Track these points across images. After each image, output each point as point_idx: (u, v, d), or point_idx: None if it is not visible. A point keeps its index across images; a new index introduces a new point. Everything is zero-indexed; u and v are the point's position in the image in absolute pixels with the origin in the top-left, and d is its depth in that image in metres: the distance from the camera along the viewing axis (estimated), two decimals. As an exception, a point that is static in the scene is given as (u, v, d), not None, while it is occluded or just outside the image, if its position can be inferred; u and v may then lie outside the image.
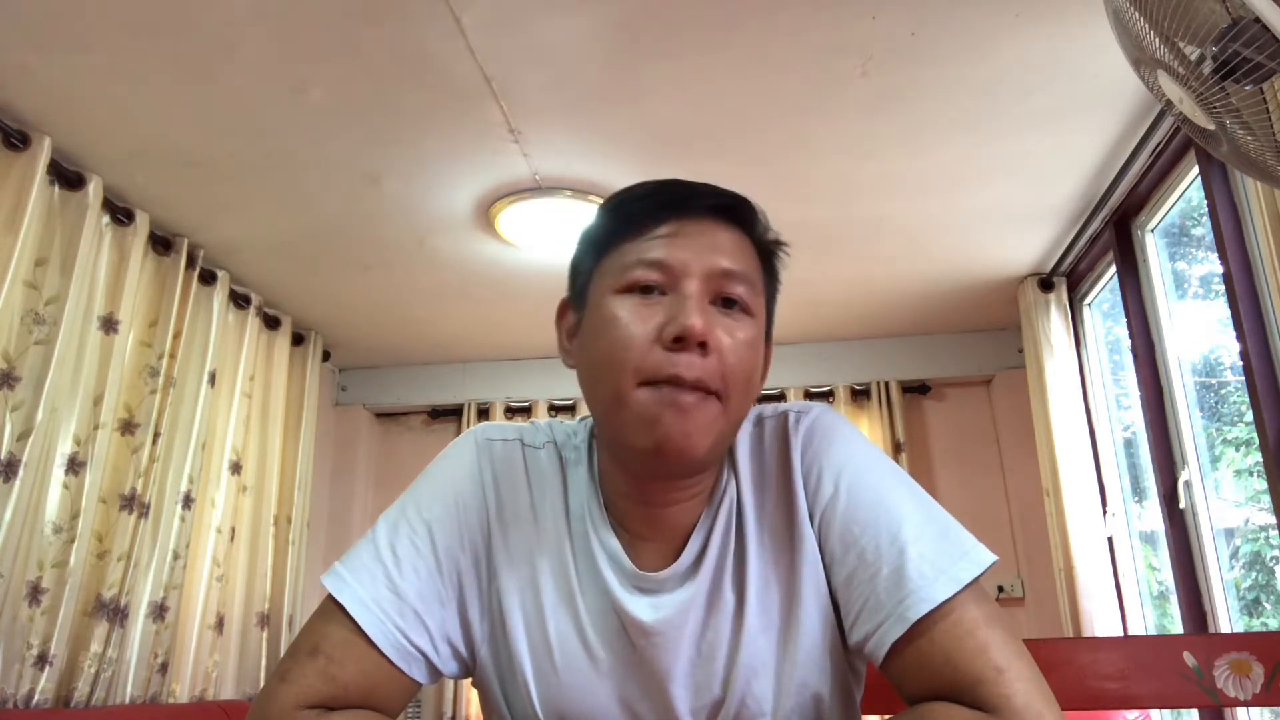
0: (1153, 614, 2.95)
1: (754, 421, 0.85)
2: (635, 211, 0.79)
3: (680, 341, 0.72)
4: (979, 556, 0.74)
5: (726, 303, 0.76)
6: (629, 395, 0.73)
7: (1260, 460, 2.09)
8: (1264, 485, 2.13)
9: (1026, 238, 3.01)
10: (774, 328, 0.85)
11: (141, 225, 2.63)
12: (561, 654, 0.79)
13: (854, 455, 0.81)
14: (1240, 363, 2.06)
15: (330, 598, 0.78)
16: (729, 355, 0.74)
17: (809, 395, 3.87)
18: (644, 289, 0.75)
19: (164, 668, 2.64)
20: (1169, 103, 1.28)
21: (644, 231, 0.77)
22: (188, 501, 2.75)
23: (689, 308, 0.73)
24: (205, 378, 2.86)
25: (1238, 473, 2.51)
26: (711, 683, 0.78)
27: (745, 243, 0.80)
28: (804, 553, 0.79)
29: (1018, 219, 2.88)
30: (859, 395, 3.88)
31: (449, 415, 4.12)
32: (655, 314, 0.74)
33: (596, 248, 0.80)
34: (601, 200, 0.84)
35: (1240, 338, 2.04)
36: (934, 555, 0.73)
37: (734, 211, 0.80)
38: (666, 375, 0.72)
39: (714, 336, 0.73)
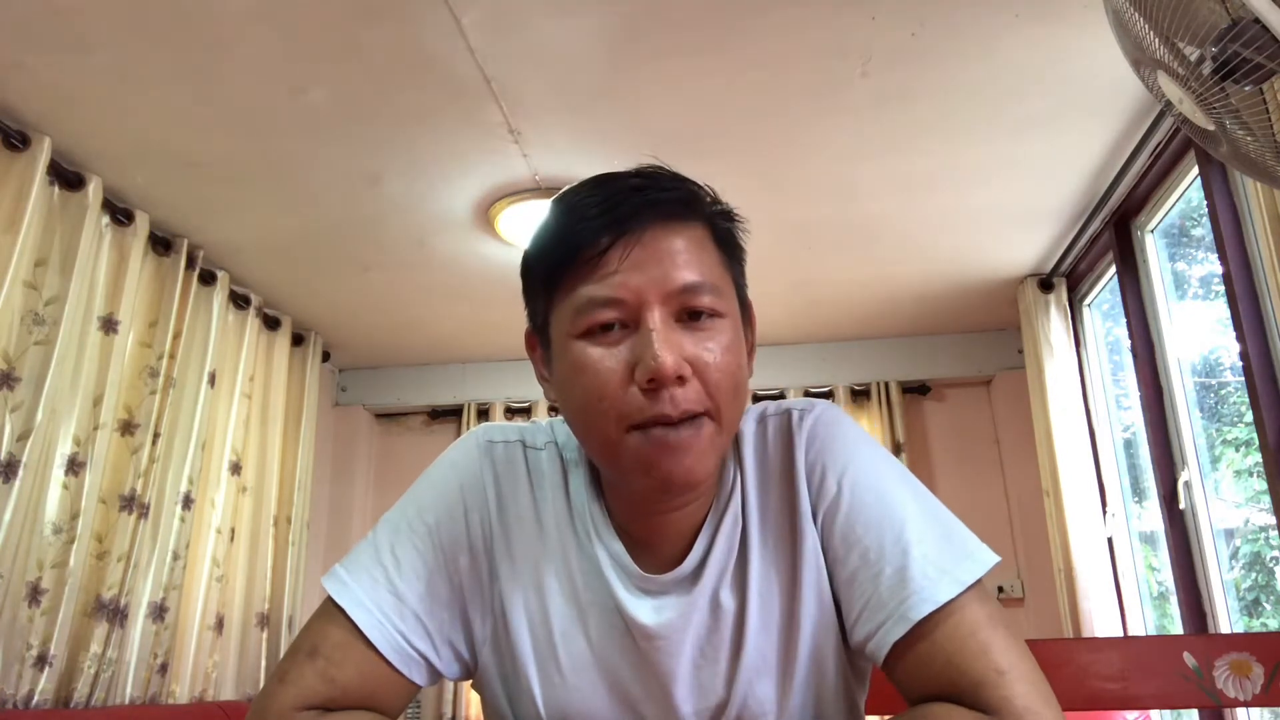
0: (1153, 614, 2.95)
1: (757, 419, 0.84)
2: (578, 238, 0.73)
3: (654, 382, 0.69)
4: (982, 557, 0.74)
5: (694, 313, 0.72)
6: (619, 442, 0.71)
7: (1260, 460, 2.09)
8: (1264, 486, 2.13)
9: (1026, 238, 3.01)
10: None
11: (141, 225, 2.63)
12: (567, 656, 0.79)
13: (858, 454, 0.80)
14: (1240, 363, 2.06)
15: (330, 599, 0.78)
16: (710, 372, 0.71)
17: (809, 395, 3.86)
18: (605, 327, 0.71)
19: (164, 668, 2.64)
20: (1169, 103, 1.28)
21: (591, 260, 0.71)
22: (187, 502, 2.75)
23: (655, 344, 0.69)
24: (205, 378, 2.86)
25: (1238, 473, 2.51)
26: (715, 684, 0.78)
27: (700, 234, 0.75)
28: (806, 552, 0.78)
29: (1018, 219, 2.88)
30: (859, 395, 3.88)
31: (449, 415, 4.12)
32: (622, 352, 0.71)
33: (547, 281, 0.75)
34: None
35: (1240, 338, 2.04)
36: (937, 556, 0.73)
37: (681, 210, 0.75)
38: (651, 417, 0.69)
39: (687, 366, 0.70)
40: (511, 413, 4.01)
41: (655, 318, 0.71)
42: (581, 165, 2.50)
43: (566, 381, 0.74)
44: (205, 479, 2.92)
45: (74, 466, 2.36)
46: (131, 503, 2.52)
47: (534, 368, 0.82)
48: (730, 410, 0.73)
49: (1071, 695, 1.28)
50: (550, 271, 0.75)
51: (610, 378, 0.71)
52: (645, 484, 0.73)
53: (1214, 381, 2.58)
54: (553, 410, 3.97)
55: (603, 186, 0.76)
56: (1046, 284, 3.24)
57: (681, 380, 0.70)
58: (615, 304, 0.71)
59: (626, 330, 0.72)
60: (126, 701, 2.48)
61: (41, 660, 2.22)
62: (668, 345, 0.69)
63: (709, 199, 0.78)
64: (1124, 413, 3.14)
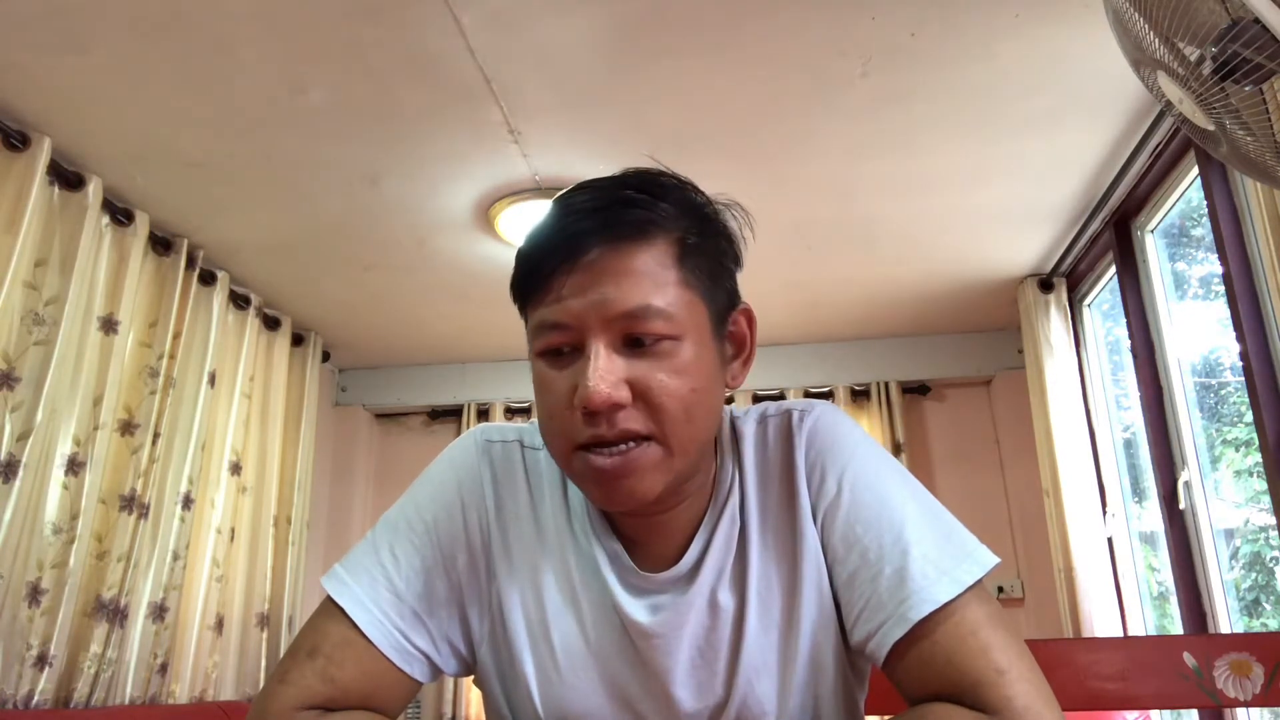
0: (1153, 614, 2.95)
1: (757, 419, 0.84)
2: (533, 260, 0.74)
3: (587, 409, 0.69)
4: (982, 558, 0.74)
5: (640, 337, 0.71)
6: (568, 460, 0.73)
7: (1260, 460, 2.09)
8: (1264, 486, 2.13)
9: (1026, 238, 3.01)
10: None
11: (141, 225, 2.63)
12: (564, 654, 0.79)
13: (857, 454, 0.80)
14: (1240, 363, 2.06)
15: (330, 599, 0.78)
16: (654, 397, 0.70)
17: (809, 395, 3.86)
18: (555, 351, 0.73)
19: (164, 668, 2.64)
20: (1169, 103, 1.28)
21: (546, 283, 0.72)
22: (187, 502, 2.75)
23: (589, 373, 0.69)
24: (205, 378, 2.86)
25: (1238, 473, 2.51)
26: (714, 684, 0.78)
27: (660, 253, 0.73)
28: (806, 552, 0.78)
29: (1018, 219, 2.88)
30: (859, 395, 3.88)
31: (449, 415, 4.12)
32: (569, 374, 0.72)
33: (519, 300, 0.77)
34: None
35: (1240, 338, 2.04)
36: (937, 556, 0.73)
37: (636, 231, 0.73)
38: (588, 438, 0.70)
39: (626, 392, 0.70)
40: (511, 413, 4.01)
41: (595, 344, 0.70)
42: (581, 165, 2.50)
43: (534, 394, 0.76)
44: (205, 479, 2.92)
45: (74, 466, 2.36)
46: (131, 503, 2.52)
47: None
48: (681, 434, 0.72)
49: (1071, 695, 1.28)
50: (520, 287, 0.76)
51: (558, 399, 0.72)
52: (596, 501, 0.76)
53: (1214, 381, 2.58)
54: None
55: (573, 199, 0.75)
56: (1046, 284, 3.24)
57: (618, 406, 0.70)
58: (560, 328, 0.72)
59: (576, 353, 0.72)
60: (126, 701, 2.48)
61: (41, 660, 2.22)
62: (602, 374, 0.69)
63: (681, 210, 0.75)
64: (1124, 413, 3.14)
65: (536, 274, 0.73)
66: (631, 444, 0.70)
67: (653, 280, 0.72)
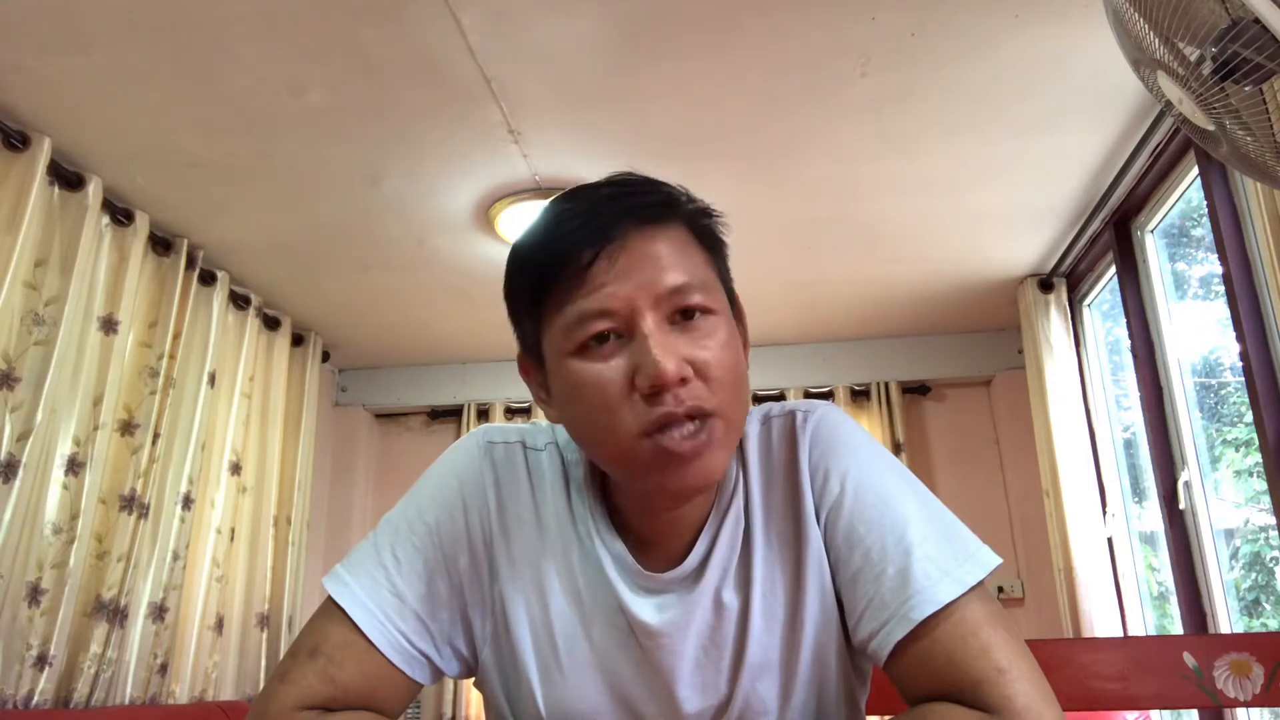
0: (1153, 614, 2.95)
1: (761, 420, 0.84)
2: (561, 255, 0.72)
3: (656, 387, 0.69)
4: (984, 558, 0.74)
5: (688, 312, 0.72)
6: (633, 449, 0.71)
7: (1260, 461, 2.09)
8: (1264, 486, 2.13)
9: (1026, 238, 3.01)
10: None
11: (141, 226, 2.63)
12: (567, 654, 0.79)
13: (860, 455, 0.81)
14: (1240, 363, 2.06)
15: (331, 599, 0.78)
16: (712, 370, 0.71)
17: (809, 395, 3.86)
18: (600, 338, 0.71)
19: (163, 668, 2.64)
20: (1169, 103, 1.28)
21: (577, 275, 0.71)
22: (187, 502, 2.75)
23: (653, 350, 0.68)
24: (205, 378, 2.86)
25: (1237, 473, 2.51)
26: (717, 682, 0.78)
27: (680, 235, 0.75)
28: (809, 552, 0.79)
29: (1018, 219, 2.88)
30: (859, 395, 3.88)
31: (449, 416, 4.12)
32: (621, 362, 0.70)
33: (533, 301, 0.75)
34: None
35: (1240, 338, 2.05)
36: (939, 556, 0.73)
37: (659, 213, 0.74)
38: (659, 419, 0.69)
39: (688, 367, 0.70)
40: (511, 413, 4.01)
41: (649, 323, 0.70)
42: (581, 165, 2.50)
43: (568, 400, 0.74)
44: (205, 479, 2.92)
45: (74, 466, 2.36)
46: (131, 503, 2.52)
47: (531, 391, 0.81)
48: (736, 406, 0.73)
49: (1071, 695, 1.28)
50: (535, 291, 0.74)
51: (612, 390, 0.70)
52: (661, 488, 0.73)
53: (1214, 381, 2.58)
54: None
55: (577, 200, 0.75)
56: (1046, 284, 3.24)
57: (684, 381, 0.70)
58: (607, 315, 0.71)
59: (622, 340, 0.71)
60: (126, 701, 2.48)
61: (41, 660, 2.22)
62: (665, 350, 0.69)
63: (685, 198, 0.78)
64: (1124, 413, 3.14)
65: (565, 268, 0.71)
66: (700, 422, 0.70)
67: (686, 257, 0.74)
